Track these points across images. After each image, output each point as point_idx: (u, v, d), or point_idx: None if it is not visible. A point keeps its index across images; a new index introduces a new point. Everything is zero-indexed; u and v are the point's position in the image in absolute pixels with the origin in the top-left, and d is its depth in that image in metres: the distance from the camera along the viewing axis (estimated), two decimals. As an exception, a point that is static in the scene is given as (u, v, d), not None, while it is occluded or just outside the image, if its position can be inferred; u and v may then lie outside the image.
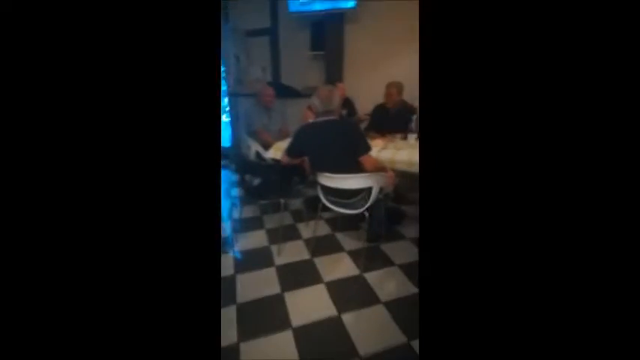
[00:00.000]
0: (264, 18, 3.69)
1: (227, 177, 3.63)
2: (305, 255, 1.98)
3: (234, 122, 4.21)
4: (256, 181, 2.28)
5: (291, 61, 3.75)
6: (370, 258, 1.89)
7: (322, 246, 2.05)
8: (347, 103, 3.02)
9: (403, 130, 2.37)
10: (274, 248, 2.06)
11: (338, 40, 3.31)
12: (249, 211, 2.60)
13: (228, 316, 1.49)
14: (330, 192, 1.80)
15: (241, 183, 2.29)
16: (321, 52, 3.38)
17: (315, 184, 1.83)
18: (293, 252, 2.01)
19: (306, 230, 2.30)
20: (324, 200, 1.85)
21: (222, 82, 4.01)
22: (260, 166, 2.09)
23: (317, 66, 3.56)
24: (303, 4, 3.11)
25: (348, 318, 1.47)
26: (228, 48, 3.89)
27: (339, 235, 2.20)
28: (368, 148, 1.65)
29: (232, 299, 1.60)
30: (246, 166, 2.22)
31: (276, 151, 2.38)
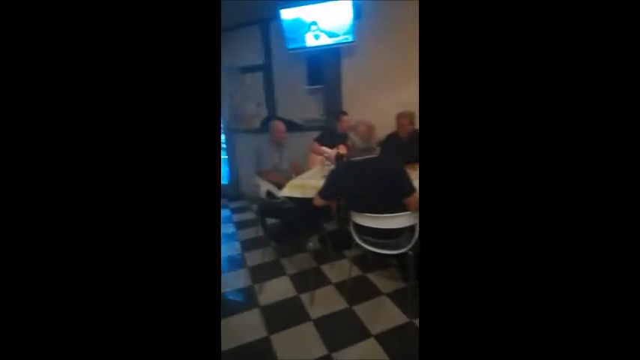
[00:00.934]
0: (257, 54, 3.69)
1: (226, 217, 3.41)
2: (342, 303, 1.80)
3: (231, 159, 4.05)
4: (271, 222, 2.12)
5: (286, 95, 3.72)
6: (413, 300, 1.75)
7: (357, 290, 1.88)
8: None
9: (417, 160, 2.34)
10: (305, 297, 1.86)
11: (336, 73, 3.35)
12: (259, 256, 2.39)
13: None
14: (368, 232, 1.67)
15: (263, 225, 2.10)
16: (319, 86, 3.38)
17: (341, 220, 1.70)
18: (327, 300, 1.83)
19: (332, 272, 2.12)
20: (358, 240, 1.72)
21: (217, 118, 3.89)
22: (285, 209, 1.93)
23: (314, 99, 3.55)
24: (300, 41, 3.13)
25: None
26: (222, 85, 3.81)
27: (371, 276, 2.05)
28: (413, 189, 1.57)
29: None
30: (269, 208, 2.05)
31: (292, 189, 2.25)
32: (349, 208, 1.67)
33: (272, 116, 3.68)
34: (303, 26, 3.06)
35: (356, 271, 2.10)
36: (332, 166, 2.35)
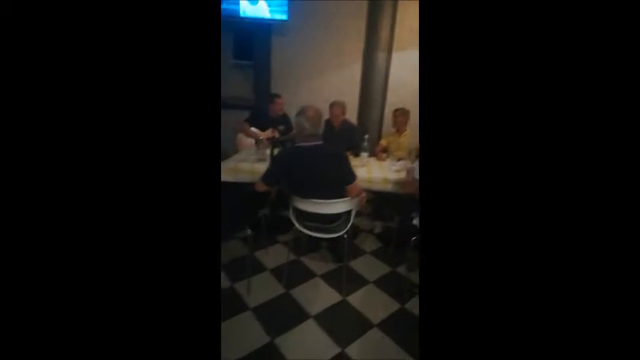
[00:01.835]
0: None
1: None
2: (279, 288, 1.80)
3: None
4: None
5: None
6: (346, 279, 1.88)
7: (293, 275, 1.91)
8: (284, 119, 2.93)
9: (349, 148, 2.46)
10: (240, 286, 1.78)
11: (265, 50, 3.18)
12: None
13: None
14: (308, 217, 1.70)
15: None
16: (247, 62, 3.17)
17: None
18: (264, 287, 1.79)
19: (267, 258, 2.09)
20: (298, 226, 1.73)
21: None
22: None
23: (241, 76, 3.31)
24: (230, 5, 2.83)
25: (353, 351, 1.42)
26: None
27: (305, 260, 2.10)
28: (354, 177, 1.64)
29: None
30: None
31: (223, 173, 2.08)
32: (292, 194, 1.65)
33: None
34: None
35: (290, 256, 2.12)
36: (267, 150, 2.27)
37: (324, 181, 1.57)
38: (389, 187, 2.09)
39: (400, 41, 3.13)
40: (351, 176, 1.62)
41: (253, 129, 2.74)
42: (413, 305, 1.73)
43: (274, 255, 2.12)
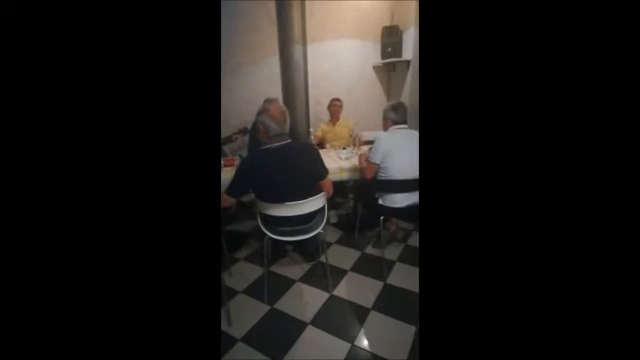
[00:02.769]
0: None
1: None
2: (262, 308, 1.63)
3: None
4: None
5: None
6: (326, 274, 1.85)
7: (270, 288, 1.76)
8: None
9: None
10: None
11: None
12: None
13: None
14: (282, 222, 1.58)
15: None
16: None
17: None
18: (245, 312, 1.60)
19: (234, 280, 1.86)
20: (269, 234, 1.60)
21: None
22: None
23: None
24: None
25: (361, 341, 1.41)
26: None
27: (275, 269, 1.96)
28: (327, 171, 1.58)
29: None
30: None
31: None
32: (262, 201, 1.49)
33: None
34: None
35: (257, 271, 1.95)
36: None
37: (298, 180, 1.47)
38: (344, 176, 2.12)
39: (312, 33, 3.16)
40: (325, 171, 1.57)
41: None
42: (394, 279, 1.83)
43: (239, 274, 1.92)
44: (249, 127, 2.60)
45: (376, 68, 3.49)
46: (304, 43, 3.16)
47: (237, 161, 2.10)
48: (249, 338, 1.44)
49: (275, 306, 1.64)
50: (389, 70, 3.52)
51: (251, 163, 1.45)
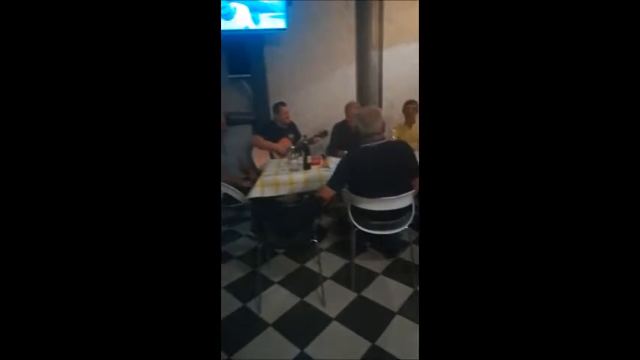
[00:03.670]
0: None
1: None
2: (349, 294, 1.78)
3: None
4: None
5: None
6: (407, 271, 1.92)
7: (357, 278, 1.89)
8: (292, 127, 2.90)
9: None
10: (313, 301, 1.73)
11: (260, 61, 3.12)
12: (236, 270, 2.06)
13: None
14: (373, 216, 1.71)
15: (259, 232, 1.80)
16: (245, 75, 3.08)
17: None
18: (338, 297, 1.76)
19: (325, 268, 2.05)
20: (360, 227, 1.74)
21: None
22: (287, 209, 1.71)
23: (237, 90, 3.21)
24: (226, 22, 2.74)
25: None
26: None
27: (358, 262, 2.10)
28: (419, 170, 1.68)
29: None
30: (269, 211, 1.76)
31: (264, 189, 2.03)
32: (357, 195, 1.65)
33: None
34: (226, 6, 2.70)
35: (340, 262, 2.10)
36: (292, 159, 2.23)
37: (392, 177, 1.60)
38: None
39: (388, 38, 3.26)
40: (417, 169, 1.68)
41: (268, 141, 2.69)
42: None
43: (325, 262, 2.09)
44: (329, 130, 2.79)
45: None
46: (380, 49, 3.28)
47: (321, 160, 2.30)
48: (343, 318, 1.60)
49: (362, 293, 1.78)
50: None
51: (351, 159, 1.62)
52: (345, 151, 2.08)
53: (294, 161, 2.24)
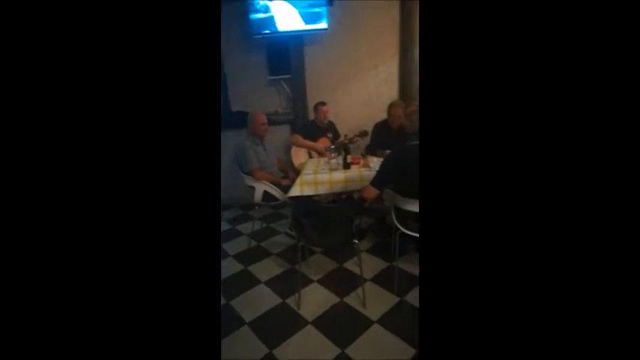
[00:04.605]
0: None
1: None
2: (392, 298, 1.72)
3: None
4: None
5: (239, 87, 3.32)
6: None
7: (400, 281, 1.82)
8: (331, 126, 2.89)
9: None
10: (352, 300, 1.70)
11: (299, 62, 3.16)
12: (274, 267, 2.09)
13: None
14: (415, 218, 1.63)
15: (299, 230, 1.81)
16: (286, 76, 3.14)
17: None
18: (377, 299, 1.71)
19: (366, 270, 2.01)
20: (402, 229, 1.67)
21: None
22: (328, 208, 1.71)
23: (276, 90, 3.28)
24: (267, 25, 2.82)
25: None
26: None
27: (402, 265, 2.03)
28: None
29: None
30: (308, 209, 1.77)
31: (303, 187, 2.03)
32: (401, 195, 1.59)
33: (227, 111, 3.23)
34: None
35: (382, 264, 2.04)
36: (332, 159, 2.22)
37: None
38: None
39: (433, 34, 3.12)
40: None
41: (306, 140, 2.71)
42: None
43: (365, 264, 2.05)
44: (368, 130, 2.74)
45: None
46: (424, 45, 3.15)
47: (361, 159, 2.26)
48: (384, 322, 1.54)
49: (405, 298, 1.71)
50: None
51: (395, 158, 1.56)
52: (388, 151, 2.03)
53: (334, 160, 2.22)
